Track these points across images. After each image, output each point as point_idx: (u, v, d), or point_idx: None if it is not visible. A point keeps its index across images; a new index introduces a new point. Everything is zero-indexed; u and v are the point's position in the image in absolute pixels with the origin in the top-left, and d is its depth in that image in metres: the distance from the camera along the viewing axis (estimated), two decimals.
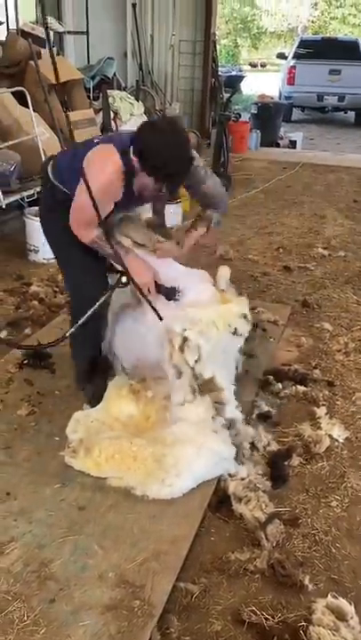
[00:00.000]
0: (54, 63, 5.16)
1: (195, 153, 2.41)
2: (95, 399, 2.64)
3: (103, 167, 2.27)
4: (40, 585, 1.84)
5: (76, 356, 2.72)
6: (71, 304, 2.76)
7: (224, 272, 2.91)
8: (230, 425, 2.43)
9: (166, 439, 2.30)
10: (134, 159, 2.23)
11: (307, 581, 1.91)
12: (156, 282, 2.47)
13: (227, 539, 2.10)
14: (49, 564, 1.91)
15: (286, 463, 2.45)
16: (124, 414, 2.54)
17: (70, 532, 2.04)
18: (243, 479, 2.28)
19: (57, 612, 1.75)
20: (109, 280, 2.58)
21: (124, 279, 2.46)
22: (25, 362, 3.03)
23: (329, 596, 1.84)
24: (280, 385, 2.94)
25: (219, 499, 2.24)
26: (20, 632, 1.69)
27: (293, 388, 2.94)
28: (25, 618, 1.73)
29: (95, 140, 2.49)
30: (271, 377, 2.98)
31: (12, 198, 4.37)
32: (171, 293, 2.53)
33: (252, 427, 2.57)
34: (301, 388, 2.94)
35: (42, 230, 2.68)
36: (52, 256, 4.45)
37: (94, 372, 2.69)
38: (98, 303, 2.44)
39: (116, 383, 2.66)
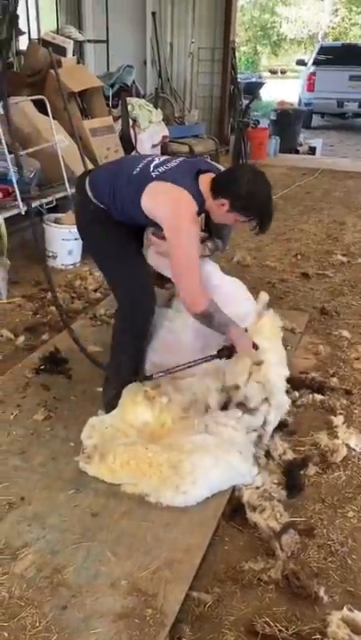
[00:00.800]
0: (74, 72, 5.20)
1: None
2: None
3: (185, 217, 2.26)
4: (52, 591, 1.84)
5: (123, 366, 2.67)
6: (124, 314, 2.66)
7: (263, 297, 2.98)
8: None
9: (184, 446, 2.28)
10: (223, 201, 2.29)
11: (322, 593, 1.88)
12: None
13: (241, 548, 2.08)
14: (62, 571, 1.91)
15: (302, 472, 2.42)
16: (139, 421, 2.54)
17: (83, 539, 2.04)
18: (258, 488, 2.26)
19: (69, 619, 1.75)
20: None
21: (226, 353, 2.51)
22: (42, 367, 3.04)
23: (345, 608, 1.81)
24: (297, 393, 2.91)
25: (233, 507, 2.22)
26: (32, 638, 1.69)
27: (310, 396, 2.91)
28: (37, 624, 1.73)
29: (152, 169, 2.37)
30: (288, 385, 2.95)
31: (31, 205, 4.41)
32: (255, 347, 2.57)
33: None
34: (319, 397, 2.91)
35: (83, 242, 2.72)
36: (71, 262, 4.52)
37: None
38: (188, 364, 2.54)
39: (130, 389, 2.65)
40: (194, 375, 2.64)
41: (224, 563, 2.01)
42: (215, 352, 2.54)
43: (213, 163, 2.76)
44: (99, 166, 2.71)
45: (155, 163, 2.41)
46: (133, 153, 6.16)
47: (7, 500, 2.19)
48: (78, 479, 2.30)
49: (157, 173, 2.35)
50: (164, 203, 2.31)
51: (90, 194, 2.47)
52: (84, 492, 2.24)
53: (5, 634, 1.70)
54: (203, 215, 2.51)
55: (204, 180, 2.34)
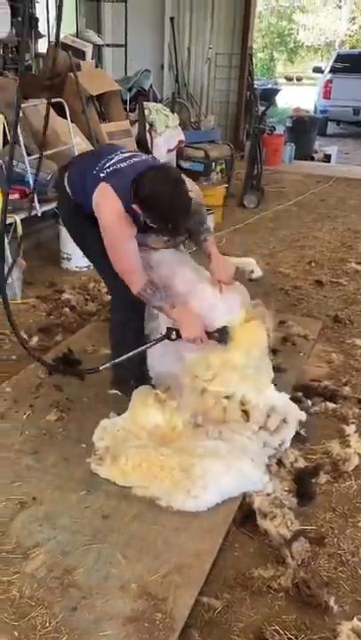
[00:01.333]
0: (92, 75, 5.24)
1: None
2: None
3: (109, 211, 2.39)
4: (63, 592, 1.85)
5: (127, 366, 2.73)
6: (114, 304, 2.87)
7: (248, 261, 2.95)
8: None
9: (195, 451, 2.29)
10: (135, 207, 2.33)
11: (332, 603, 1.87)
12: (205, 330, 2.48)
13: (251, 554, 2.08)
14: (72, 572, 1.92)
15: (313, 481, 2.41)
16: (151, 424, 2.54)
17: (94, 540, 2.04)
18: (268, 495, 2.26)
19: (78, 621, 1.75)
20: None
21: (173, 335, 2.50)
22: (55, 368, 3.06)
23: (355, 619, 1.80)
24: (309, 402, 2.91)
25: (244, 514, 2.21)
26: (41, 638, 1.70)
27: (323, 404, 2.90)
28: (47, 624, 1.73)
29: (104, 170, 2.46)
30: (301, 393, 2.95)
31: (48, 207, 4.44)
32: (222, 337, 2.51)
33: None
34: (331, 405, 2.90)
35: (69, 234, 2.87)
36: (85, 264, 4.54)
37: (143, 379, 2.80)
38: (139, 349, 2.63)
39: (140, 392, 2.67)
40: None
41: (234, 569, 2.01)
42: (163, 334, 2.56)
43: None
44: (71, 161, 2.77)
45: (113, 160, 2.49)
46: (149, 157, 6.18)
47: (19, 499, 2.21)
48: (90, 481, 2.31)
49: (104, 175, 2.45)
50: (96, 203, 2.44)
51: (66, 184, 2.63)
52: (96, 494, 2.25)
53: (16, 633, 1.71)
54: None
55: None
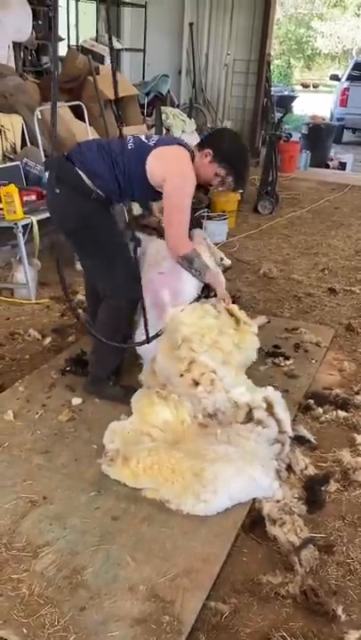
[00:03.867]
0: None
1: None
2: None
3: (187, 166, 2.58)
4: (71, 591, 1.86)
5: (110, 352, 2.82)
6: (109, 292, 2.77)
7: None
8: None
9: (207, 455, 2.29)
10: (207, 151, 2.62)
11: (340, 611, 1.86)
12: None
13: (259, 560, 2.07)
14: (81, 572, 1.93)
15: (323, 488, 2.40)
16: (160, 420, 2.54)
17: (103, 541, 2.05)
18: (278, 501, 2.25)
19: (86, 621, 1.76)
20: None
21: (211, 293, 2.85)
22: (67, 369, 3.08)
23: None
24: (321, 409, 2.90)
25: (253, 519, 2.21)
26: (50, 636, 1.71)
27: (334, 412, 2.90)
28: (55, 623, 1.74)
29: (148, 142, 2.63)
30: (312, 401, 2.95)
31: None
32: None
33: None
34: (342, 414, 2.89)
35: (56, 213, 2.72)
36: None
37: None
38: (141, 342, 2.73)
39: (142, 394, 2.70)
40: None
41: (242, 574, 2.01)
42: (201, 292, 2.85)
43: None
44: (72, 149, 2.71)
45: (142, 137, 2.69)
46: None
47: (30, 498, 2.22)
48: (100, 482, 2.32)
49: (153, 142, 2.64)
50: (170, 160, 2.59)
51: (88, 183, 2.56)
52: (106, 495, 2.26)
53: (25, 630, 1.72)
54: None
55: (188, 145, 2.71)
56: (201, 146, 2.68)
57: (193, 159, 2.65)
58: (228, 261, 3.21)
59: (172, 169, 2.57)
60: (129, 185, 2.60)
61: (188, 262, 2.70)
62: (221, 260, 3.12)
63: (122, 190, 2.61)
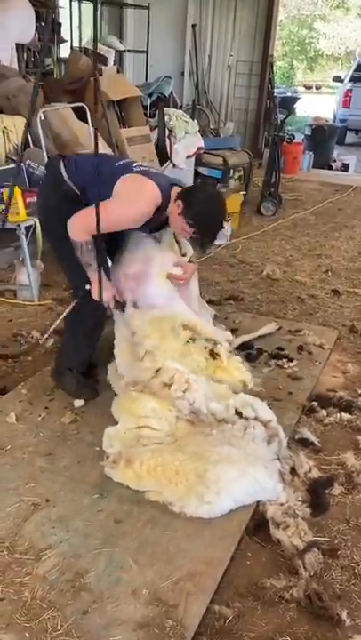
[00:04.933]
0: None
1: None
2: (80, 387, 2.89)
3: (143, 199, 2.53)
4: (74, 595, 1.85)
5: (78, 347, 2.89)
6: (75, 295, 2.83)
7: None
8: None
9: (210, 457, 2.28)
10: (178, 203, 2.56)
11: (344, 616, 1.85)
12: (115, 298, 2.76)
13: (263, 564, 2.06)
14: (84, 575, 1.92)
15: (327, 491, 2.39)
16: (148, 409, 2.53)
17: (106, 544, 2.04)
18: (282, 504, 2.24)
19: (89, 625, 1.75)
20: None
21: (88, 287, 2.68)
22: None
23: None
24: (324, 412, 2.89)
25: (256, 522, 2.20)
26: None
27: (338, 415, 2.88)
28: (58, 627, 1.73)
29: (134, 165, 2.67)
30: (316, 403, 2.93)
31: None
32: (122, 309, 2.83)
33: (291, 450, 2.54)
34: (346, 416, 2.87)
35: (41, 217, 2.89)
36: None
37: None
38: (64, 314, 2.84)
39: (120, 395, 2.73)
40: None
41: (246, 578, 2.00)
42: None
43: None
44: (68, 156, 2.87)
45: (135, 164, 2.70)
46: (168, 163, 6.21)
47: (32, 500, 2.22)
48: (103, 484, 2.31)
49: (138, 169, 2.63)
50: (131, 186, 2.55)
51: (64, 172, 2.61)
52: (109, 498, 2.25)
53: (27, 634, 1.71)
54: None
55: (175, 190, 2.65)
56: (180, 194, 2.60)
57: (169, 200, 2.60)
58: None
59: (128, 187, 2.55)
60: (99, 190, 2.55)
61: (77, 247, 2.57)
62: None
63: (91, 191, 2.56)
